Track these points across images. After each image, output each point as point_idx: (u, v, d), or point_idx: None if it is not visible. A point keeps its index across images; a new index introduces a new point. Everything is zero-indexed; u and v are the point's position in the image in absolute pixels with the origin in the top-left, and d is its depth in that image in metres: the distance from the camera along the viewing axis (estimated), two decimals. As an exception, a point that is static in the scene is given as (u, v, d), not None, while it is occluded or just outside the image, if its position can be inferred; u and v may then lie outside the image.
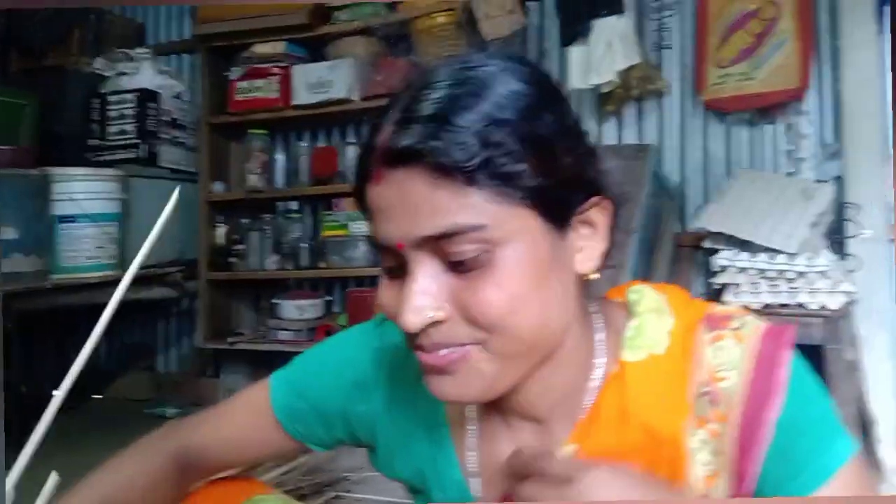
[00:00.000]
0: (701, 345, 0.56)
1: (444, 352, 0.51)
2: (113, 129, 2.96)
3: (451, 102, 0.49)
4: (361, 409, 0.66)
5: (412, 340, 0.52)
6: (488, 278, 0.49)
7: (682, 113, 2.44)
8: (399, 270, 0.51)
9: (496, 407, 0.59)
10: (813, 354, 1.80)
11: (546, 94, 0.53)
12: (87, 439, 2.61)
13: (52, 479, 0.74)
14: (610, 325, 0.59)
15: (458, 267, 0.49)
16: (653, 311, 0.59)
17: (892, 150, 2.16)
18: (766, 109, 2.29)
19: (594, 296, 0.60)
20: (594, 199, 0.54)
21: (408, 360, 0.62)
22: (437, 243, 0.49)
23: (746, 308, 0.61)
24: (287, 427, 0.70)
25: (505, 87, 0.50)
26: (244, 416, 0.72)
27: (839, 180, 2.16)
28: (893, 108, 1.95)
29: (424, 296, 0.49)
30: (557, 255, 0.52)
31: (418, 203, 0.48)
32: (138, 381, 3.22)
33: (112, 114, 2.96)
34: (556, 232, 0.52)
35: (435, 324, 0.50)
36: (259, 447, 0.73)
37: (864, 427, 1.88)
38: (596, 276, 0.56)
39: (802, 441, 0.53)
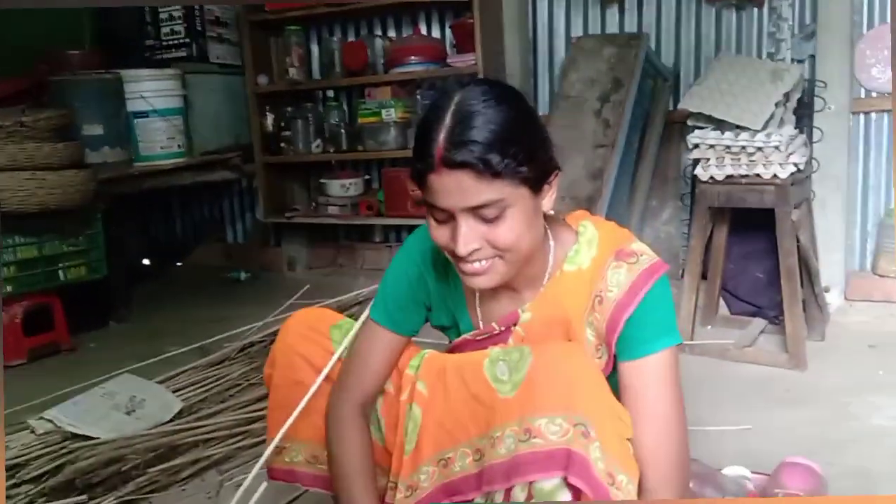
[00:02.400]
0: (607, 268, 0.94)
1: (477, 264, 0.89)
2: (164, 29, 3.28)
3: (480, 131, 0.83)
4: (424, 289, 1.06)
5: (458, 258, 0.88)
6: (503, 225, 0.86)
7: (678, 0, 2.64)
8: (446, 220, 0.88)
9: None
10: (769, 216, 2.13)
11: (526, 113, 0.88)
12: (181, 298, 3.18)
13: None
14: (560, 242, 0.98)
15: (485, 220, 0.86)
16: (587, 243, 0.97)
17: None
18: (752, -7, 2.49)
19: (556, 218, 0.98)
20: (554, 174, 0.91)
21: (439, 257, 1.05)
22: (474, 209, 0.85)
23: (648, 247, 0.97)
24: (399, 331, 1.05)
25: (507, 116, 0.85)
26: (375, 350, 1.05)
27: (813, 59, 2.41)
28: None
29: (468, 236, 0.86)
30: (536, 206, 0.90)
31: (466, 188, 0.83)
32: (212, 251, 3.76)
33: (162, 15, 3.27)
34: (536, 195, 0.89)
35: (473, 250, 0.87)
36: (393, 357, 1.06)
37: (809, 275, 2.23)
38: (552, 211, 0.94)
39: (641, 331, 0.90)
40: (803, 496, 0.83)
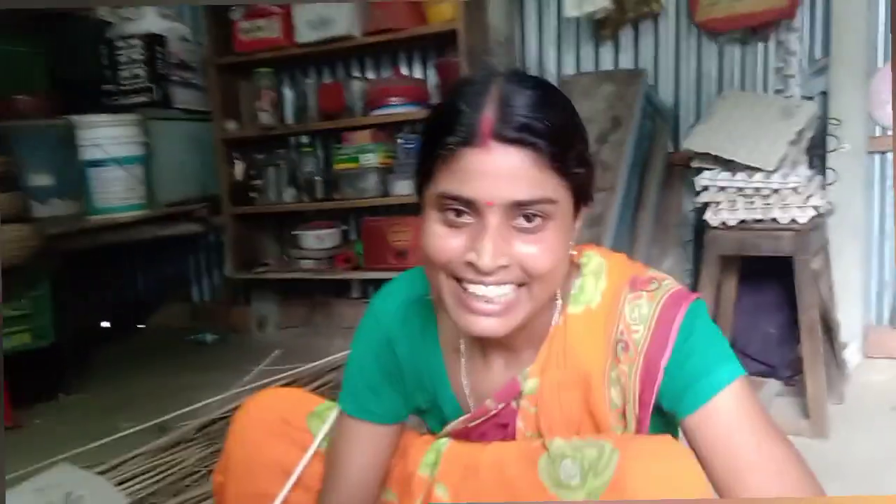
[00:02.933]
0: (623, 302, 0.73)
1: (495, 290, 0.65)
2: (124, 73, 3.07)
3: (542, 109, 0.64)
4: (392, 360, 0.81)
5: (467, 283, 0.66)
6: (542, 242, 0.65)
7: (677, 34, 2.50)
8: (463, 224, 0.65)
9: (479, 344, 0.78)
10: (783, 264, 1.94)
11: (575, 110, 0.70)
12: (141, 365, 2.91)
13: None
14: (564, 281, 0.75)
15: (521, 229, 0.65)
16: (592, 274, 0.76)
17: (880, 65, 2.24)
18: (757, 28, 2.35)
19: None
20: (589, 203, 0.72)
21: (412, 314, 0.80)
22: (516, 208, 0.64)
23: (664, 275, 0.76)
24: (378, 421, 0.82)
25: (564, 103, 0.67)
26: (351, 450, 0.82)
27: (824, 95, 2.26)
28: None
29: (500, 246, 0.64)
30: (571, 231, 0.70)
31: (519, 174, 0.63)
32: (176, 311, 3.49)
33: (122, 59, 3.05)
34: (573, 218, 0.70)
35: (500, 267, 0.65)
36: (378, 456, 0.83)
37: (829, 330, 2.04)
38: (573, 251, 0.75)
39: (693, 371, 0.69)
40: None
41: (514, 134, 0.62)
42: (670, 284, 0.74)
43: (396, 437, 0.84)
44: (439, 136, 0.65)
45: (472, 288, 0.66)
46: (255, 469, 0.87)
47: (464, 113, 0.64)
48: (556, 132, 0.64)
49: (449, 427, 0.81)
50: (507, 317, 0.67)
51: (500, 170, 0.63)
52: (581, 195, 0.69)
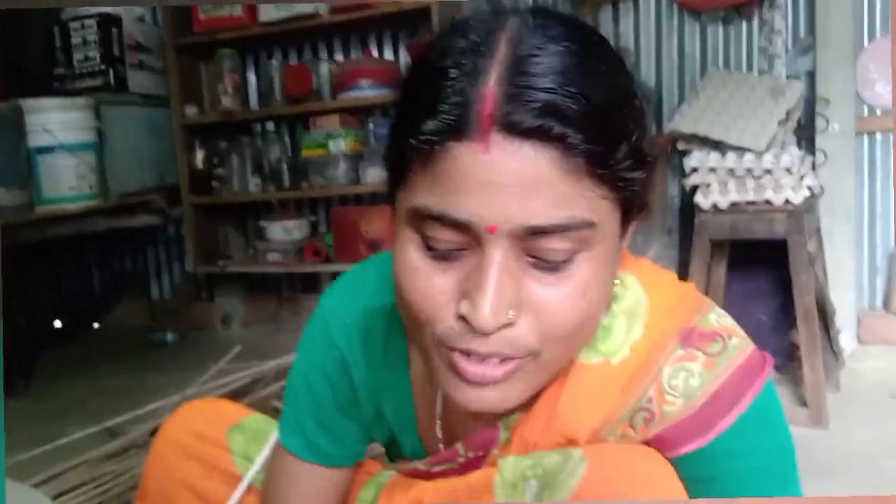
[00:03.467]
0: (663, 360, 0.52)
1: (495, 360, 0.46)
2: (77, 56, 2.90)
3: (576, 80, 0.42)
4: (346, 387, 0.64)
5: (457, 339, 0.46)
6: (571, 282, 0.45)
7: (658, 13, 2.43)
8: (452, 255, 0.45)
9: None
10: (774, 248, 1.87)
11: (630, 80, 0.47)
12: (95, 366, 2.75)
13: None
14: None
15: (539, 265, 0.45)
16: (626, 315, 0.54)
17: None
18: (740, 6, 2.28)
19: None
20: (645, 210, 0.50)
21: (374, 332, 0.62)
22: (533, 236, 0.43)
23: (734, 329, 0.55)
24: (329, 463, 0.66)
25: (611, 69, 0.45)
26: (295, 497, 0.66)
27: (811, 75, 2.19)
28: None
29: (506, 294, 0.44)
30: (616, 256, 0.49)
31: (539, 187, 0.42)
32: (134, 309, 3.32)
33: (75, 40, 2.88)
34: (620, 239, 0.49)
35: (505, 325, 0.45)
36: (334, 497, 0.67)
37: (824, 316, 1.99)
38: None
39: (733, 480, 0.52)
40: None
41: (533, 121, 0.41)
42: (739, 346, 0.52)
43: (351, 475, 0.68)
44: (415, 118, 0.44)
45: (458, 355, 0.48)
46: (171, 495, 0.74)
47: (451, 83, 0.42)
48: (599, 116, 0.42)
49: (401, 465, 0.67)
50: (511, 385, 0.48)
51: (507, 178, 0.42)
52: (633, 207, 0.48)
